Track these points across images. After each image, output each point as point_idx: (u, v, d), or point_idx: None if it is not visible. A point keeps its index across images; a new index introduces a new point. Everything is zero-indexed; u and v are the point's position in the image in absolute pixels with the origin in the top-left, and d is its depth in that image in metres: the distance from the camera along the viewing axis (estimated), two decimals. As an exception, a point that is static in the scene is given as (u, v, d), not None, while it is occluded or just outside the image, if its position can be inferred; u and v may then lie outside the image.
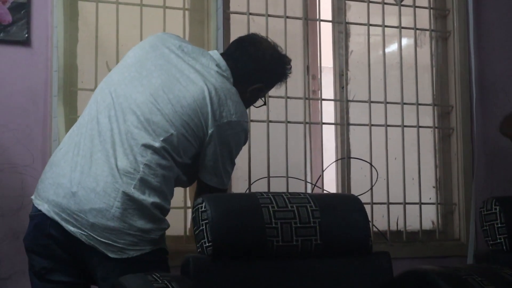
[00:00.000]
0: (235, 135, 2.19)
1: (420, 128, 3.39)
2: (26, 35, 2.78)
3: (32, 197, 2.16)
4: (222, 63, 2.22)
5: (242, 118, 2.20)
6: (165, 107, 2.06)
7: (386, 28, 3.39)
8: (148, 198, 2.02)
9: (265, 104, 2.51)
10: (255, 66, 2.29)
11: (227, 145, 2.19)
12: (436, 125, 3.48)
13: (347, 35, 3.41)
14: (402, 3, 3.44)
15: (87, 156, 2.07)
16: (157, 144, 2.05)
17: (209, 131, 2.12)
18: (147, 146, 2.04)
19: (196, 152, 2.16)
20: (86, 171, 2.05)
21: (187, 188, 2.69)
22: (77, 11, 2.89)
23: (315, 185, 3.13)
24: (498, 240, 2.55)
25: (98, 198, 2.00)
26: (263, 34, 3.07)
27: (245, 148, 2.95)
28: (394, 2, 3.43)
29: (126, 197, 2.00)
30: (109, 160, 2.03)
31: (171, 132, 2.07)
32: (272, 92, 3.09)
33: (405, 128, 3.36)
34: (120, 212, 1.99)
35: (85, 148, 2.09)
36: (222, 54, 2.29)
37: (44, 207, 2.08)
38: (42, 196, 2.11)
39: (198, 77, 2.12)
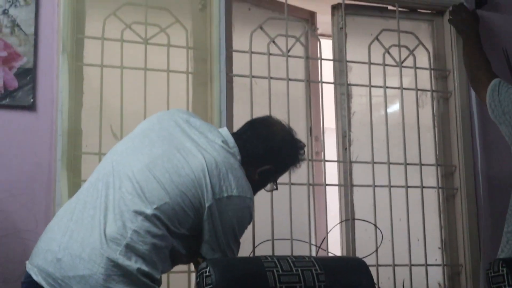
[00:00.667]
0: (237, 211, 2.13)
1: (424, 189, 3.39)
2: (32, 100, 2.83)
3: (27, 262, 2.15)
4: (230, 140, 2.20)
5: (244, 194, 2.13)
6: (162, 176, 2.04)
7: (387, 89, 3.42)
8: (134, 264, 1.96)
9: (276, 189, 2.47)
10: (265, 148, 2.26)
11: (229, 221, 2.13)
12: (440, 185, 3.47)
13: (349, 96, 3.45)
14: (403, 64, 3.48)
15: (78, 222, 2.06)
16: (149, 211, 2.01)
17: (207, 204, 2.07)
18: (138, 213, 2.01)
19: (194, 224, 2.10)
20: (74, 236, 2.03)
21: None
22: (82, 75, 2.95)
23: (319, 247, 3.12)
24: (506, 303, 2.52)
25: (83, 264, 1.97)
26: (265, 96, 3.18)
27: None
28: (395, 64, 3.47)
29: (111, 263, 1.96)
30: (99, 226, 2.01)
31: (166, 201, 2.03)
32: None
33: (409, 189, 3.35)
34: (104, 279, 1.94)
35: (78, 213, 2.08)
36: (233, 134, 2.29)
37: (33, 272, 2.06)
38: (33, 261, 2.09)
39: (199, 150, 2.10)
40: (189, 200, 2.06)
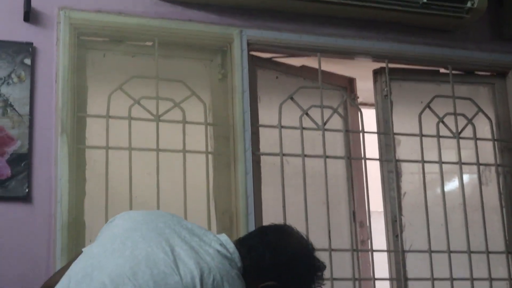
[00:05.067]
0: None
1: (493, 281, 3.25)
2: (27, 190, 2.75)
3: None
4: (230, 245, 2.04)
5: None
6: (145, 284, 1.95)
7: (443, 165, 3.33)
8: None
9: None
10: (273, 260, 2.07)
11: None
12: (512, 277, 3.32)
13: (398, 174, 3.35)
14: (461, 135, 3.38)
15: None
16: None
17: None
18: None
19: None
20: None
21: None
22: (85, 160, 2.88)
23: None
24: None
25: None
26: (299, 177, 3.08)
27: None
28: (451, 135, 3.37)
29: None
30: None
31: None
32: (313, 243, 3.01)
33: (474, 282, 3.22)
34: None
35: None
36: (238, 240, 2.14)
37: None
38: None
39: (190, 255, 1.95)
40: None
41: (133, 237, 2.02)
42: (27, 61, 2.84)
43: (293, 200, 3.14)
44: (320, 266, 2.14)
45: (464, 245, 3.26)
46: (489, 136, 3.48)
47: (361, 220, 3.47)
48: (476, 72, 3.66)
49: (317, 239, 2.96)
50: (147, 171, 2.94)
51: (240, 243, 2.09)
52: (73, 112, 2.87)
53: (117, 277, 1.91)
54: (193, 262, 1.94)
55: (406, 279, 3.21)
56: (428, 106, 3.39)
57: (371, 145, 3.40)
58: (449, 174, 3.42)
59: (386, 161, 3.37)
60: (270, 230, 2.19)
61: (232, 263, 2.01)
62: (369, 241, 3.31)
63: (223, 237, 2.08)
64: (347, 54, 3.39)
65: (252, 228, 2.95)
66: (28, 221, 2.76)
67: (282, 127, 3.15)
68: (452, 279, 3.19)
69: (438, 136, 3.37)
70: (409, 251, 3.26)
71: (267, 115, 3.23)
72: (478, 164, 3.40)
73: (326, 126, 3.21)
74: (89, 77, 2.97)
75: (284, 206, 3.03)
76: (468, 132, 3.42)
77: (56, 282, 1.96)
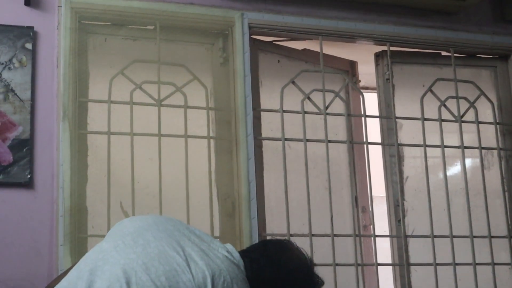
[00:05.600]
0: None
1: (495, 266, 3.25)
2: (29, 176, 2.75)
3: None
4: (235, 254, 2.11)
5: None
6: (157, 279, 1.96)
7: (445, 149, 3.32)
8: None
9: None
10: (273, 274, 2.14)
11: None
12: (514, 261, 3.32)
13: (400, 158, 3.35)
14: (463, 119, 3.37)
15: None
16: None
17: None
18: None
19: None
20: None
21: None
22: (86, 145, 2.88)
23: None
24: None
25: None
26: (301, 161, 3.08)
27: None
28: (453, 119, 3.37)
29: None
30: None
31: None
32: (315, 229, 3.03)
33: (477, 266, 3.22)
34: None
35: None
36: (241, 251, 2.19)
37: None
38: None
39: (201, 256, 2.00)
40: None
41: (144, 236, 2.05)
42: (28, 45, 2.83)
43: (295, 185, 3.15)
44: (319, 282, 2.20)
45: (467, 229, 3.26)
46: (491, 119, 3.47)
47: (363, 205, 3.47)
48: (478, 55, 3.65)
49: (319, 225, 3.00)
50: (149, 156, 2.94)
51: (242, 254, 2.14)
52: (75, 97, 2.86)
53: (130, 270, 1.93)
54: (204, 263, 1.99)
55: (409, 264, 3.21)
56: (430, 89, 3.38)
57: (373, 129, 3.41)
58: (451, 158, 3.42)
59: (388, 145, 3.36)
60: (272, 244, 2.23)
61: (239, 269, 2.05)
62: (371, 227, 3.32)
63: (229, 246, 2.14)
64: (349, 37, 3.38)
65: (254, 213, 2.96)
66: (30, 207, 2.76)
67: (284, 111, 3.14)
68: (454, 264, 3.19)
69: (440, 120, 3.36)
70: (412, 236, 3.25)
71: (269, 99, 3.23)
72: (480, 148, 3.39)
73: (328, 110, 3.21)
74: (91, 62, 2.96)
75: (286, 191, 3.03)
76: (470, 115, 3.41)
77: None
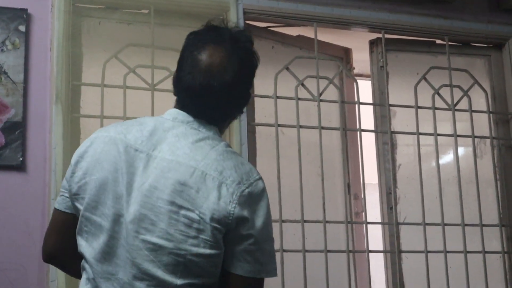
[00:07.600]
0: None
1: (486, 254, 3.28)
2: (21, 159, 2.77)
3: None
4: (180, 117, 1.70)
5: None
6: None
7: (438, 137, 3.34)
8: None
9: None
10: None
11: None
12: (505, 250, 3.35)
13: (393, 146, 3.37)
14: (456, 107, 3.39)
15: None
16: None
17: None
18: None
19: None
20: None
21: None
22: (79, 129, 2.90)
23: (362, 327, 3.02)
24: None
25: None
26: (294, 148, 3.10)
27: (278, 283, 2.88)
28: (446, 107, 3.39)
29: None
30: None
31: None
32: (307, 215, 3.07)
33: (468, 254, 3.24)
34: None
35: None
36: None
37: None
38: None
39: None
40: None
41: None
42: (22, 28, 2.85)
43: (288, 171, 3.17)
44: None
45: (458, 218, 3.28)
46: (485, 108, 3.48)
47: (356, 193, 3.50)
48: (473, 44, 3.68)
49: (312, 211, 3.02)
50: (141, 140, 2.94)
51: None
52: (68, 80, 2.87)
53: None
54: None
55: (400, 252, 3.24)
56: (424, 77, 3.40)
57: (366, 117, 3.43)
58: (444, 146, 3.44)
59: (381, 133, 3.38)
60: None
61: (215, 139, 1.67)
62: (363, 214, 3.34)
63: (171, 113, 1.77)
64: (343, 24, 3.40)
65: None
66: (22, 190, 2.78)
67: (277, 97, 3.15)
68: (446, 252, 3.22)
69: (434, 108, 3.37)
70: (403, 223, 3.28)
71: (262, 85, 3.22)
72: (473, 136, 3.41)
73: (322, 97, 3.23)
74: (84, 45, 2.98)
75: (279, 177, 3.05)
76: (463, 104, 3.43)
77: (53, 245, 1.74)
